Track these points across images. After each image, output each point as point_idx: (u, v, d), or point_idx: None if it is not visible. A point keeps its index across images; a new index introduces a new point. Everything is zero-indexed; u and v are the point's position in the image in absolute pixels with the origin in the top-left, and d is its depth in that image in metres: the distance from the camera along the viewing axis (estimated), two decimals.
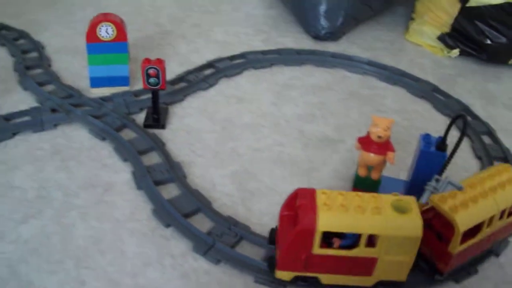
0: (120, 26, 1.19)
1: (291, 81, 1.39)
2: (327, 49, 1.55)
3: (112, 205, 0.97)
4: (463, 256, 0.85)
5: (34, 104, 1.23)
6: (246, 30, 1.65)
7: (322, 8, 1.60)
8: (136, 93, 1.26)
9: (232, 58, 1.45)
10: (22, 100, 1.25)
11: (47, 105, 1.20)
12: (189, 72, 1.36)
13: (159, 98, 1.16)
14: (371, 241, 0.79)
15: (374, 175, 0.97)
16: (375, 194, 0.80)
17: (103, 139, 1.12)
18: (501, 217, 0.86)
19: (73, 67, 1.39)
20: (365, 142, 0.94)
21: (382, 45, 1.63)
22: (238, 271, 0.86)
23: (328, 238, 0.79)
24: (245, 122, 1.21)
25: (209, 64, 1.41)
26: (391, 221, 0.77)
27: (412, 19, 1.70)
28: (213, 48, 1.52)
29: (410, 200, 0.80)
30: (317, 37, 1.62)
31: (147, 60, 1.10)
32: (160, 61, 1.11)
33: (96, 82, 1.25)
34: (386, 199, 0.79)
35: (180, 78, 1.33)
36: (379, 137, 0.90)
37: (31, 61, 1.40)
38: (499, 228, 0.88)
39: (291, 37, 1.63)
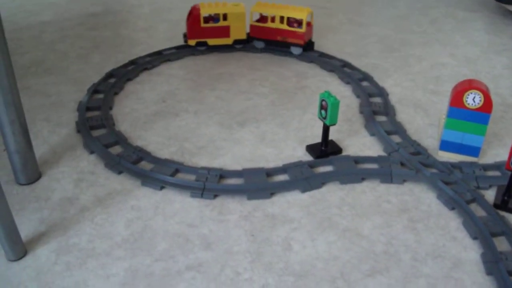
0: (488, 97, 1.16)
1: None
2: None
3: (461, 284, 0.93)
4: None
5: (381, 152, 1.25)
6: None
7: None
8: (485, 167, 1.20)
9: None
10: (368, 146, 1.28)
11: (395, 157, 1.21)
12: None
13: None
14: (225, 18, 1.76)
15: None
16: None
17: (452, 208, 1.09)
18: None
19: (416, 122, 1.40)
20: None
21: None
22: None
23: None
24: None
25: None
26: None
27: None
28: None
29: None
30: None
31: None
32: None
33: (446, 146, 1.23)
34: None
35: None
36: None
37: (377, 106, 1.43)
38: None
39: None
